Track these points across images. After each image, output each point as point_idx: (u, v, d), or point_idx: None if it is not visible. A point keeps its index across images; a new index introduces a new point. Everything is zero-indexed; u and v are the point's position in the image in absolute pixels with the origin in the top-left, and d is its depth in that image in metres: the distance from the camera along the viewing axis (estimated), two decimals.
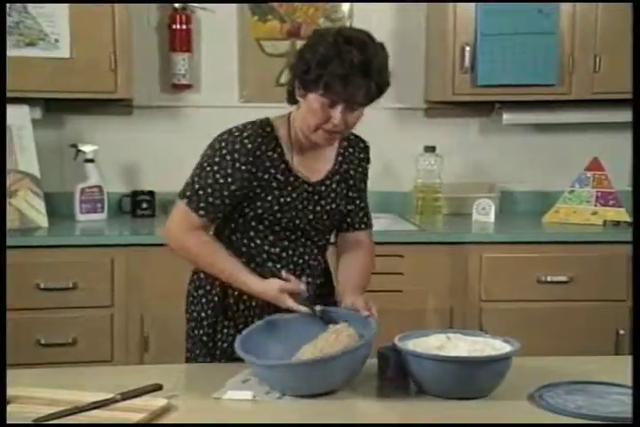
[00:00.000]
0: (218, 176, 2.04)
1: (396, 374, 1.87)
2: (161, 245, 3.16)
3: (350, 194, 2.19)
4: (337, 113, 1.96)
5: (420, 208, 3.76)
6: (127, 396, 1.73)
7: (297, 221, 2.10)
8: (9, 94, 3.09)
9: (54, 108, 3.63)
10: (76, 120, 3.73)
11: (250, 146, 2.04)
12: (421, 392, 1.84)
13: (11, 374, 1.81)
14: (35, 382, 1.84)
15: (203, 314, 2.17)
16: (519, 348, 1.84)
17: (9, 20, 3.30)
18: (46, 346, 3.17)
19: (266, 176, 2.07)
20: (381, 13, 3.79)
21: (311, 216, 2.12)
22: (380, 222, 3.51)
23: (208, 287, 2.16)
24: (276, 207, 2.07)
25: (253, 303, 2.12)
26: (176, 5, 3.68)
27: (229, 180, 2.04)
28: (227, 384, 1.84)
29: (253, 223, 2.10)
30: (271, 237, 2.11)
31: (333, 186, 2.15)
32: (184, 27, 3.67)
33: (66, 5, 3.34)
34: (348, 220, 2.23)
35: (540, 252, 3.36)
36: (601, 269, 3.35)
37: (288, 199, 2.08)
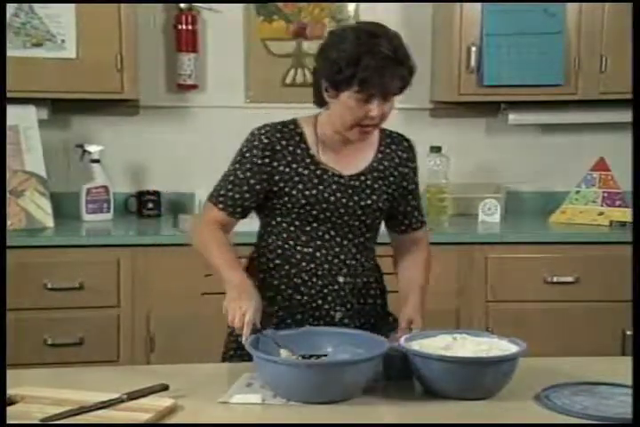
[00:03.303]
0: (239, 173, 2.09)
1: (402, 375, 1.87)
2: (167, 245, 3.20)
3: (390, 191, 2.17)
4: (374, 106, 1.98)
5: (426, 208, 3.74)
6: (133, 396, 1.73)
7: (328, 214, 2.09)
8: (16, 95, 3.11)
9: (61, 108, 3.64)
10: (82, 120, 3.74)
11: (266, 141, 2.08)
12: (427, 393, 1.83)
13: (17, 373, 1.81)
14: (41, 382, 1.84)
15: None
16: (525, 348, 1.84)
17: (16, 21, 3.31)
18: (53, 346, 3.17)
19: (287, 170, 2.08)
20: (387, 13, 3.78)
21: (342, 210, 2.10)
22: None
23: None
24: (303, 201, 2.08)
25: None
26: (182, 6, 3.69)
27: (248, 174, 2.08)
28: (231, 388, 1.83)
29: (284, 225, 2.11)
30: (303, 238, 2.10)
31: (369, 182, 2.14)
32: (190, 27, 3.68)
33: (72, 6, 3.35)
34: (406, 221, 2.24)
35: (546, 252, 3.35)
36: (608, 270, 3.34)
37: (314, 192, 2.08)
